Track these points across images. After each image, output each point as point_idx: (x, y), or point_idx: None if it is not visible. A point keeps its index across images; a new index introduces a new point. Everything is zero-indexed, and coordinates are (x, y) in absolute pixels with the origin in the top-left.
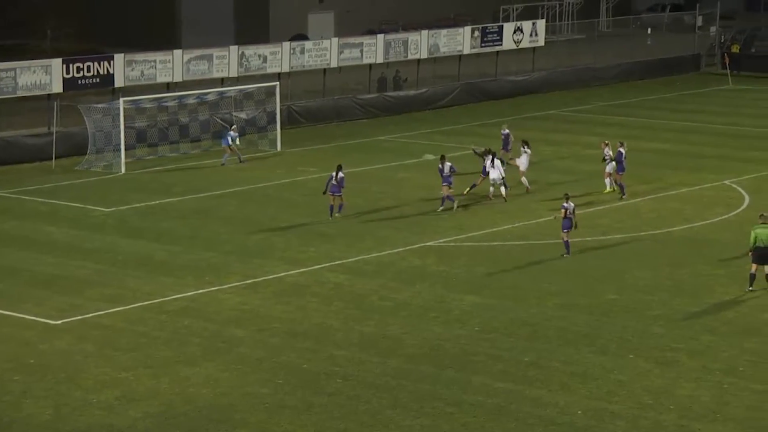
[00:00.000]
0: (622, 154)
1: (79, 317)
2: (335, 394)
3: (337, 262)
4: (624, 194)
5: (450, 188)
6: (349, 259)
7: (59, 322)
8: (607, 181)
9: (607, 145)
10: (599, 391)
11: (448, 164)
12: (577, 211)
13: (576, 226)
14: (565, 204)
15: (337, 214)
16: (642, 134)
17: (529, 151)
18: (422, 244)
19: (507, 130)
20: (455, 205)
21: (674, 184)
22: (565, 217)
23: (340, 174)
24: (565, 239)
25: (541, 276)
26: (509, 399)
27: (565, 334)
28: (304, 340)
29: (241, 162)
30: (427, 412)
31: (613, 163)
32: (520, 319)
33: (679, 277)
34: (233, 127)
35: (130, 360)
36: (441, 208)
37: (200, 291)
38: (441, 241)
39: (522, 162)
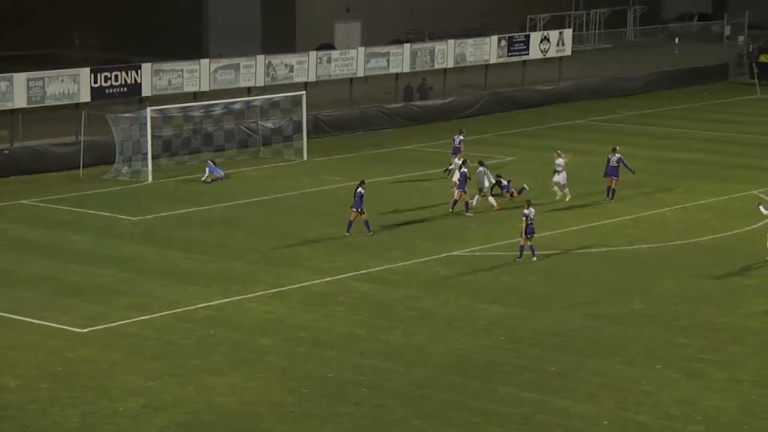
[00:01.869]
0: (613, 159)
1: (106, 326)
2: (361, 403)
3: (363, 272)
4: (611, 199)
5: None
6: (375, 269)
7: (86, 330)
8: (556, 188)
9: (560, 155)
10: (626, 401)
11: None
12: (602, 221)
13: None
14: (525, 211)
15: (369, 232)
16: (669, 144)
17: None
18: (448, 254)
19: (460, 136)
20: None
21: (701, 194)
22: (528, 224)
23: (359, 190)
24: (522, 244)
25: (567, 285)
26: (535, 409)
27: (591, 344)
28: (329, 349)
29: (205, 181)
30: (453, 422)
31: (564, 173)
32: (546, 328)
33: (706, 287)
34: (211, 162)
35: (156, 368)
36: (469, 212)
37: (226, 300)
38: (467, 250)
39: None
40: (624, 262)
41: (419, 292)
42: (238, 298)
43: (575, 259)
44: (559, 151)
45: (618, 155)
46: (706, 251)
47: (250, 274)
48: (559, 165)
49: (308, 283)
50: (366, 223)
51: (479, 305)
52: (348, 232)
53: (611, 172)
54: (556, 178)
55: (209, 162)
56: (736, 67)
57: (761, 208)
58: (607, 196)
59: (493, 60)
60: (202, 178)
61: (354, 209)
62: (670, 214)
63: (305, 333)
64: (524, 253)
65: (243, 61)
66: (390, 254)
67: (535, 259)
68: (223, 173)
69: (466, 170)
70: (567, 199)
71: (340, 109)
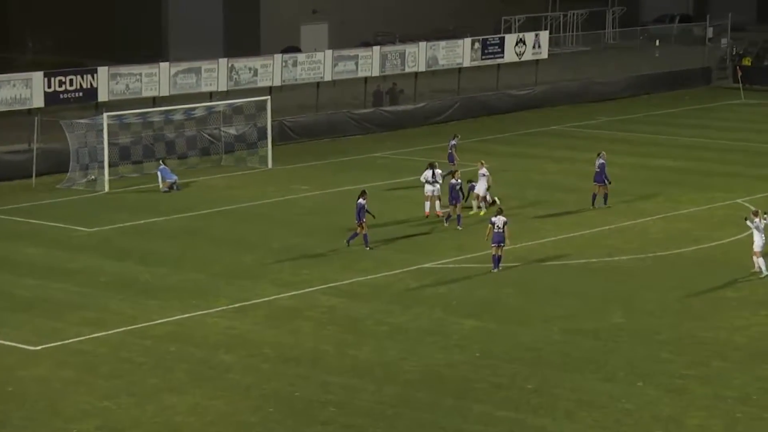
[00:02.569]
0: (597, 164)
1: (60, 342)
2: (329, 423)
3: (331, 285)
4: (594, 205)
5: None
6: (344, 282)
7: (38, 347)
8: (474, 203)
9: (483, 164)
10: (606, 420)
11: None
12: (580, 232)
13: (506, 241)
14: (492, 218)
15: (367, 248)
16: (650, 151)
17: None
18: (420, 266)
19: (453, 141)
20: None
21: (683, 202)
22: (495, 231)
23: (360, 201)
24: (494, 254)
25: (545, 299)
26: (511, 428)
27: (570, 359)
28: (296, 366)
29: (162, 190)
30: None
31: (484, 184)
32: (522, 344)
33: (688, 300)
34: (162, 161)
35: (112, 388)
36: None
37: (187, 315)
38: (439, 262)
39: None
40: (603, 274)
41: (390, 306)
42: (199, 313)
43: (553, 270)
44: (483, 161)
45: (601, 161)
46: (688, 263)
47: (212, 288)
48: (482, 175)
49: (273, 297)
50: (365, 236)
51: (453, 319)
52: (348, 242)
53: (595, 177)
54: (477, 189)
55: (161, 164)
56: (719, 70)
57: (748, 222)
58: (592, 204)
59: (466, 63)
60: (161, 188)
61: (357, 222)
62: (651, 224)
63: (270, 349)
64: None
65: (205, 65)
66: (359, 266)
67: (495, 270)
68: (175, 177)
69: (455, 181)
70: (482, 213)
71: (307, 114)
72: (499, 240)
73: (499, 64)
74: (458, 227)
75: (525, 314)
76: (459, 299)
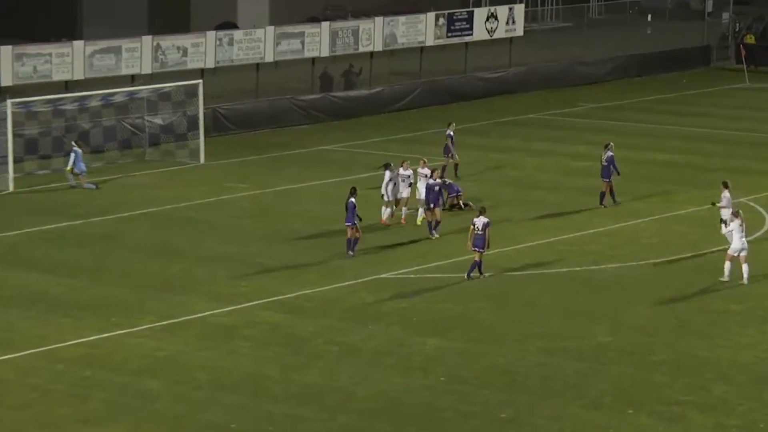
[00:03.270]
0: (603, 158)
1: None
2: None
3: (273, 299)
4: (604, 203)
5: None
6: (289, 295)
7: None
8: (420, 211)
9: (425, 164)
10: None
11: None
12: (562, 236)
13: (488, 246)
14: (474, 219)
15: (350, 252)
16: (641, 143)
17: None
18: (376, 276)
19: (450, 132)
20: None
21: (680, 202)
22: (476, 234)
23: (351, 200)
24: (476, 259)
25: (521, 314)
26: None
27: (550, 384)
28: (233, 394)
29: (72, 186)
30: None
31: (422, 187)
32: (495, 366)
33: (686, 314)
34: (76, 142)
35: (18, 419)
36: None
37: (106, 334)
38: (399, 272)
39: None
40: (588, 285)
41: (342, 323)
42: (120, 332)
43: (530, 281)
44: (425, 160)
45: (609, 153)
46: (685, 271)
47: (135, 303)
48: (422, 175)
49: (206, 314)
50: (354, 241)
51: (414, 338)
52: (351, 251)
53: (602, 173)
54: (404, 192)
55: (73, 145)
56: (720, 49)
57: (723, 226)
58: (600, 202)
59: (429, 42)
60: (68, 176)
61: (348, 224)
62: (642, 227)
63: (203, 374)
64: (473, 270)
65: (125, 44)
66: (306, 277)
67: (468, 277)
68: (84, 168)
69: (433, 181)
70: (419, 220)
71: (245, 101)
72: (480, 244)
73: (467, 43)
74: (433, 235)
75: (498, 332)
76: (422, 315)
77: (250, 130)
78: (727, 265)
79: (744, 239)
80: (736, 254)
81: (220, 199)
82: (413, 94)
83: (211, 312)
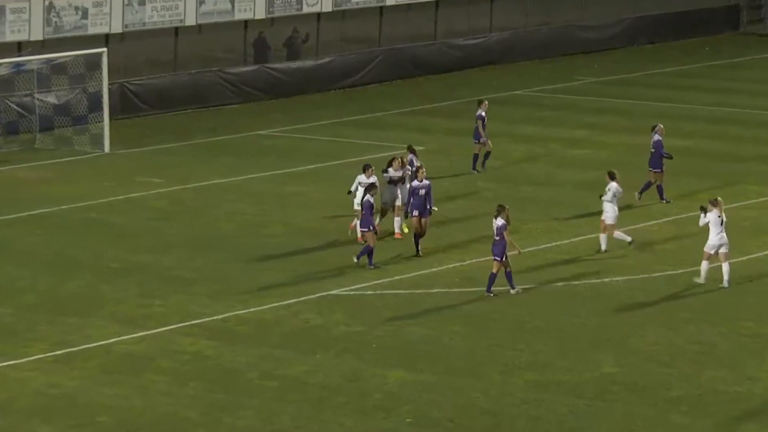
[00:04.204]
0: (660, 143)
1: None
2: None
3: (196, 321)
4: (664, 198)
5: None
6: (215, 317)
7: None
8: (379, 218)
9: (402, 164)
10: None
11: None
12: (558, 241)
13: (517, 252)
14: (503, 221)
15: (371, 266)
16: (652, 125)
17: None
18: (325, 293)
19: (482, 112)
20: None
21: (702, 200)
22: (494, 240)
23: (366, 198)
24: (493, 271)
25: (505, 339)
26: None
27: (541, 426)
28: None
29: None
30: None
31: (399, 190)
32: (474, 404)
33: (709, 339)
34: None
35: None
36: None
37: None
38: (353, 287)
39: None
40: (589, 303)
41: (282, 352)
42: (3, 364)
43: (518, 298)
44: (412, 147)
45: (657, 137)
46: (708, 285)
47: (22, 327)
48: (394, 175)
49: (113, 341)
50: (367, 251)
51: (373, 370)
52: (371, 265)
53: (651, 161)
54: (385, 197)
55: None
56: (751, 10)
57: (701, 216)
58: (661, 197)
59: (390, 1)
60: None
61: (364, 230)
62: (656, 231)
63: (108, 416)
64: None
65: (10, 3)
66: (237, 295)
67: (489, 294)
68: None
69: (418, 183)
70: (406, 230)
71: (160, 75)
72: (497, 252)
73: (437, 2)
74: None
75: (477, 361)
76: (382, 340)
77: (167, 111)
78: (704, 264)
79: (723, 233)
80: (713, 251)
81: (130, 198)
82: (371, 66)
83: (118, 338)
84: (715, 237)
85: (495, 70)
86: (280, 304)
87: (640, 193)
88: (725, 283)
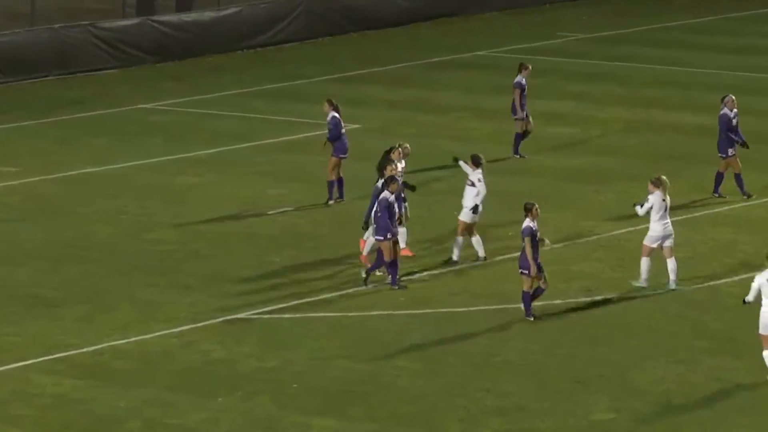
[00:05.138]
0: (729, 118)
1: None
2: None
3: (60, 355)
4: (745, 192)
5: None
6: (86, 349)
7: None
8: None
9: (403, 155)
10: None
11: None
12: (542, 248)
13: (538, 267)
14: (530, 222)
15: (396, 286)
16: (656, 97)
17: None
18: (230, 317)
19: (522, 79)
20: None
21: (722, 192)
22: (533, 246)
23: (385, 195)
24: (524, 289)
25: (467, 376)
26: None
27: None
28: None
29: None
30: None
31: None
32: None
33: (732, 375)
34: None
35: None
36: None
37: None
38: (266, 309)
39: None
40: (577, 328)
41: (173, 395)
42: None
43: (483, 321)
44: (405, 145)
45: (726, 110)
46: (728, 302)
47: None
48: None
49: None
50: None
51: (292, 418)
52: (395, 285)
53: (720, 145)
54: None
55: None
56: None
57: (637, 207)
58: (741, 190)
59: None
60: None
61: (380, 236)
62: None
63: None
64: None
65: None
66: (115, 319)
67: (530, 318)
68: None
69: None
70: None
71: (13, 31)
72: (523, 264)
73: None
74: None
75: (429, 406)
76: (304, 378)
77: (20, 79)
78: (644, 262)
79: (669, 222)
80: (655, 245)
81: None
82: (289, 19)
83: None
84: (659, 226)
85: (452, 25)
86: (170, 331)
87: (716, 189)
88: (671, 284)
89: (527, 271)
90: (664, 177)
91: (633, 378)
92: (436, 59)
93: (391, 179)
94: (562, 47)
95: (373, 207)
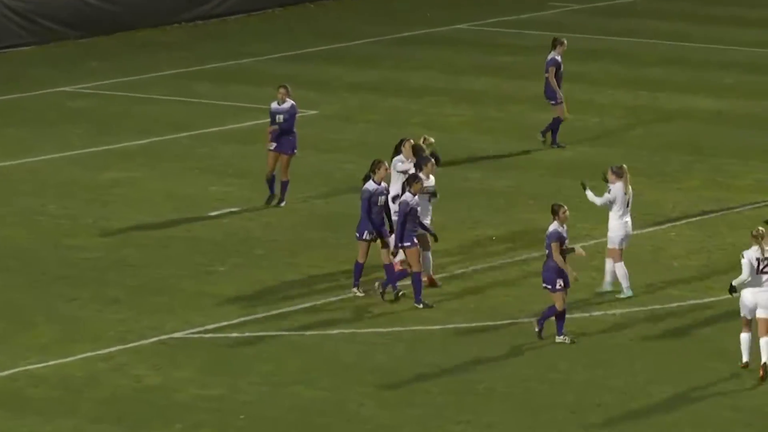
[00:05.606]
0: None
1: None
2: None
3: None
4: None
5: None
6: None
7: None
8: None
9: (415, 150)
10: None
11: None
12: (523, 255)
13: (571, 277)
14: (557, 226)
15: (420, 305)
16: (666, 78)
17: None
18: (165, 336)
19: (556, 56)
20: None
21: (737, 188)
22: (564, 252)
23: (408, 198)
24: (561, 308)
25: (444, 406)
26: None
27: None
28: None
29: None
30: None
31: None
32: None
33: (751, 401)
34: None
35: None
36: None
37: None
38: (208, 327)
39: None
40: (572, 349)
41: (99, 427)
42: None
43: (462, 343)
44: (428, 138)
45: None
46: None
47: None
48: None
49: None
50: (399, 274)
51: None
52: (419, 302)
53: None
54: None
55: None
56: None
57: (588, 193)
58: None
59: None
60: None
61: (407, 243)
62: (672, 238)
63: None
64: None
65: None
66: (31, 339)
67: (565, 340)
68: None
69: (377, 185)
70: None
71: None
72: (549, 278)
73: None
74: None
75: None
76: (254, 408)
77: None
78: (620, 268)
79: (629, 219)
80: (623, 246)
81: None
82: None
83: None
84: (620, 224)
85: None
86: (96, 353)
87: None
88: (625, 291)
89: (551, 286)
90: (625, 166)
91: (636, 402)
92: (407, 33)
93: (415, 178)
94: (555, 19)
95: (369, 211)
